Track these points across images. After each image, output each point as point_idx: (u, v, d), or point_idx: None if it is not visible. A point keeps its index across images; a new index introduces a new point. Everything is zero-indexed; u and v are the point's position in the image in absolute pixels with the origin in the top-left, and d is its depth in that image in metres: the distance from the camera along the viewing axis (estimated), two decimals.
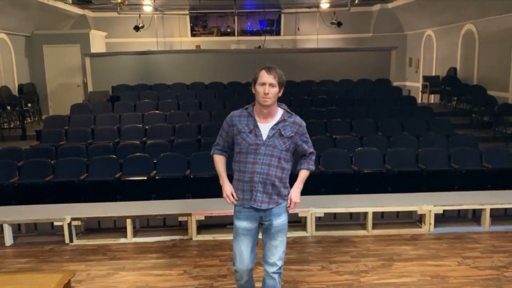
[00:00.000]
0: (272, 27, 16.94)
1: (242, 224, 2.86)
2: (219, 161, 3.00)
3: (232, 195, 2.86)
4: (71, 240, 4.59)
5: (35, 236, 4.87)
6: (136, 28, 14.02)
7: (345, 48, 14.05)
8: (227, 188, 2.88)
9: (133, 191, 6.16)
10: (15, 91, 11.78)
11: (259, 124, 2.84)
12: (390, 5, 15.17)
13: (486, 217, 4.81)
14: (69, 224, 4.56)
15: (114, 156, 6.97)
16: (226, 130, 2.96)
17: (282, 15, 16.38)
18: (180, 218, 4.73)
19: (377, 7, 15.70)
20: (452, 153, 6.95)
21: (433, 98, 13.54)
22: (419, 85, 14.42)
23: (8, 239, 4.58)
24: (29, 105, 11.85)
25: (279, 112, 2.88)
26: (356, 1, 12.09)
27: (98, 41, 13.61)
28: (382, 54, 12.39)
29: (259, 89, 2.77)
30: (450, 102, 12.46)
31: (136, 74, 12.16)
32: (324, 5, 14.01)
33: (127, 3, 12.00)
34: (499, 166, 6.53)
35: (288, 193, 2.89)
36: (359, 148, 7.11)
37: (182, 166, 6.67)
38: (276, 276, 2.89)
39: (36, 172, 6.59)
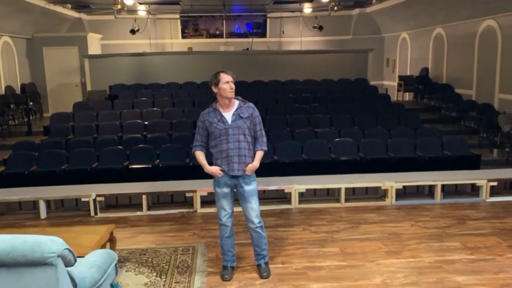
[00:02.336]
0: (259, 29, 17.92)
1: (222, 189, 3.82)
2: (200, 155, 3.90)
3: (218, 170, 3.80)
4: (95, 213, 5.50)
5: (63, 211, 5.76)
6: (132, 32, 14.87)
7: (326, 50, 15.10)
8: (212, 167, 3.81)
9: (140, 178, 7.05)
10: (18, 91, 12.56)
11: (223, 114, 3.79)
12: (368, 10, 16.26)
13: (438, 191, 5.86)
14: (94, 200, 5.47)
15: (121, 147, 7.86)
16: (201, 127, 3.87)
17: (268, 19, 17.36)
18: (187, 194, 5.67)
19: (356, 11, 16.78)
20: (417, 143, 7.96)
21: (408, 96, 14.65)
22: (395, 84, 15.53)
23: (43, 213, 5.48)
24: (31, 103, 12.63)
25: (236, 102, 3.84)
26: (335, 8, 13.11)
27: (94, 43, 14.44)
28: (360, 55, 13.43)
29: (226, 86, 3.71)
30: (422, 99, 13.59)
31: (132, 74, 13.01)
32: (307, 10, 15.04)
33: (126, 9, 12.85)
34: (457, 153, 7.58)
35: None
36: (337, 139, 8.10)
37: (182, 155, 7.58)
38: (258, 229, 3.85)
39: (52, 161, 7.43)
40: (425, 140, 8.05)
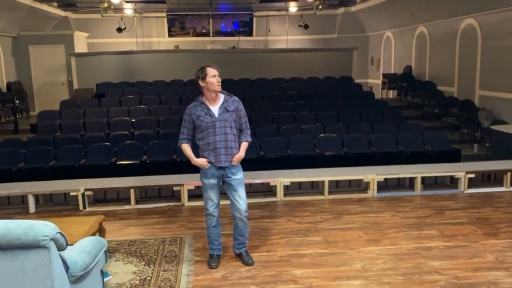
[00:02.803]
0: (245, 28, 18.07)
1: (209, 181, 3.94)
2: (187, 148, 4.00)
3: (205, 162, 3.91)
4: (84, 207, 5.58)
5: (52, 206, 5.83)
6: (119, 30, 14.91)
7: (312, 49, 15.31)
8: (200, 159, 3.93)
9: (127, 174, 7.14)
10: (4, 89, 12.53)
11: (210, 107, 3.91)
12: (353, 9, 16.51)
13: (418, 183, 6.06)
14: (83, 194, 5.56)
15: (108, 143, 7.94)
16: (188, 120, 3.96)
17: (254, 18, 17.51)
18: (174, 188, 5.79)
19: (341, 10, 17.02)
20: (399, 138, 8.17)
21: (392, 94, 14.92)
22: (380, 82, 15.79)
23: (32, 207, 5.55)
24: (17, 102, 12.61)
25: (221, 96, 3.97)
26: (320, 7, 13.31)
27: (81, 42, 14.45)
28: (345, 54, 13.66)
29: (213, 80, 3.83)
30: (406, 96, 13.86)
31: (119, 73, 13.06)
32: (293, 8, 15.22)
33: (112, 7, 12.89)
34: (438, 148, 7.82)
35: None
36: (321, 135, 8.27)
37: (169, 151, 7.68)
38: (245, 218, 3.99)
39: (40, 158, 7.48)
40: (407, 136, 8.26)
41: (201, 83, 3.89)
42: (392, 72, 15.30)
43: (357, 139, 8.13)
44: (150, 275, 3.84)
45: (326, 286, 3.61)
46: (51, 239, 2.42)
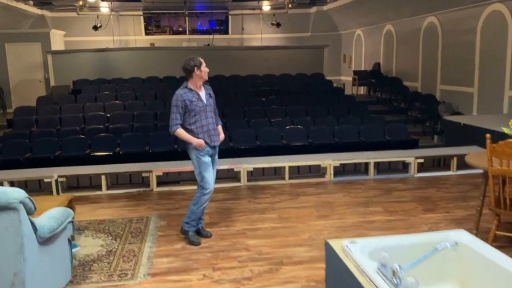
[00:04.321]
0: (221, 27, 18.45)
1: (206, 159, 4.29)
2: (182, 132, 4.26)
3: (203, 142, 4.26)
4: (58, 193, 5.90)
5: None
6: (95, 28, 15.14)
7: (284, 46, 15.78)
8: (198, 140, 4.22)
9: (101, 164, 7.47)
10: None
11: (199, 93, 4.32)
12: (325, 8, 17.02)
13: (371, 168, 6.54)
14: (56, 181, 5.88)
15: (83, 136, 8.25)
16: (180, 106, 4.23)
17: (230, 16, 17.91)
18: (143, 175, 6.16)
19: (314, 9, 17.52)
20: (362, 129, 8.66)
21: (362, 90, 15.48)
22: (351, 79, 16.34)
23: None
24: None
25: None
26: (290, 6, 13.77)
27: (57, 40, 14.64)
28: (316, 51, 14.14)
29: (206, 69, 4.26)
30: (374, 92, 14.43)
31: (96, 70, 13.31)
32: (266, 7, 15.66)
33: (87, 5, 13.14)
34: (397, 138, 8.33)
35: None
36: (288, 127, 8.70)
37: (142, 143, 8.03)
38: (211, 193, 4.36)
39: (15, 151, 7.75)
40: (369, 127, 8.75)
41: (197, 71, 4.21)
42: (362, 69, 15.84)
43: (322, 131, 8.58)
44: (116, 247, 4.22)
45: (274, 252, 4.03)
46: (20, 202, 2.78)
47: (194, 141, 4.22)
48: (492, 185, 3.69)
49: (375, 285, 1.55)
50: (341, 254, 1.83)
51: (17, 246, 2.78)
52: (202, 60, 4.28)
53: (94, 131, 8.56)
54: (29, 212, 2.90)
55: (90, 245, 4.26)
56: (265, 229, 4.60)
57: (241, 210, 5.21)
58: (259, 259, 3.90)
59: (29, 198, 2.88)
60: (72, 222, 3.55)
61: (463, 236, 1.96)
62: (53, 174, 5.90)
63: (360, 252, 1.80)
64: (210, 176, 4.30)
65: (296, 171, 6.70)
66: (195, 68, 4.22)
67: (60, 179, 5.91)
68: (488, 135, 3.60)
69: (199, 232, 4.43)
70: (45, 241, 3.07)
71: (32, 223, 2.94)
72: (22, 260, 2.79)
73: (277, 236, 4.41)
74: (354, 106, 10.72)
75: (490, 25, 9.31)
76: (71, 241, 3.65)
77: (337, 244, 1.96)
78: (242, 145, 8.02)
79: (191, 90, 4.26)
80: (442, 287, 1.78)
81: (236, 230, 4.58)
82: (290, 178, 6.43)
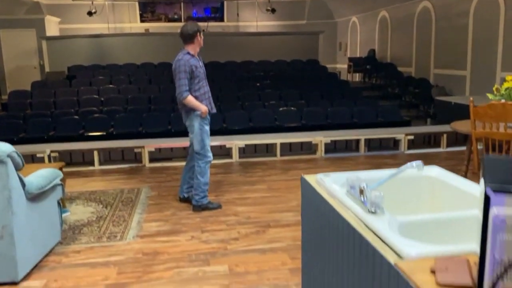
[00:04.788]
0: (216, 14, 18.42)
1: (207, 127, 4.29)
2: (192, 98, 4.16)
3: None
4: None
5: None
6: (90, 13, 15.10)
7: (279, 32, 15.80)
8: (205, 106, 4.20)
9: None
10: None
11: (198, 60, 4.31)
12: None
13: (362, 145, 6.61)
14: (49, 156, 5.93)
15: (77, 117, 8.29)
16: (188, 71, 4.13)
17: (225, 3, 17.87)
18: (135, 150, 6.21)
19: None
20: (355, 111, 8.72)
21: (358, 77, 15.51)
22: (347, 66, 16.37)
23: None
24: None
25: None
26: None
27: (52, 27, 14.63)
28: (311, 37, 14.17)
29: (202, 36, 4.25)
30: (369, 79, 14.47)
31: (90, 56, 13.31)
32: None
33: None
34: (389, 119, 8.39)
35: None
36: (282, 108, 8.75)
37: (136, 124, 8.08)
38: None
39: (9, 131, 7.77)
40: (362, 109, 8.80)
41: (198, 37, 4.20)
42: (357, 56, 15.86)
43: (315, 113, 8.62)
44: (107, 214, 4.27)
45: (262, 217, 4.10)
46: (7, 156, 2.83)
47: (203, 108, 4.15)
48: (476, 148, 3.75)
49: (345, 205, 1.61)
50: (315, 185, 1.89)
51: (5, 199, 2.83)
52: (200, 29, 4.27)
53: (88, 113, 8.60)
54: (17, 167, 2.95)
55: (80, 212, 4.31)
56: (254, 198, 4.67)
57: (231, 183, 5.27)
58: (247, 223, 3.97)
59: (17, 153, 2.92)
60: (62, 185, 3.60)
61: (434, 169, 2.03)
62: (45, 149, 5.94)
63: (332, 182, 1.86)
64: (209, 143, 4.31)
65: (288, 149, 6.76)
66: (198, 33, 4.19)
67: (52, 154, 5.96)
68: (471, 98, 3.66)
69: (189, 199, 4.48)
70: (33, 198, 3.12)
71: (21, 179, 2.99)
72: (10, 214, 2.84)
73: (266, 203, 4.48)
74: (348, 91, 10.78)
75: (482, 8, 9.35)
76: (60, 204, 3.70)
77: (312, 178, 2.02)
78: (236, 126, 8.07)
79: (193, 56, 4.21)
80: (414, 213, 1.85)
81: (226, 199, 4.64)
82: (281, 155, 6.48)
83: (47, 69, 13.14)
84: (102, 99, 9.87)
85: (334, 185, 1.82)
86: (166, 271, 3.10)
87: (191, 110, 4.18)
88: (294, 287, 2.82)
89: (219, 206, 4.34)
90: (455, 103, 7.70)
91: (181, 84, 4.10)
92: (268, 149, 6.77)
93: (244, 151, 6.59)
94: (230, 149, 6.44)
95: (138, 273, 3.07)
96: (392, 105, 10.76)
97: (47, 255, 3.34)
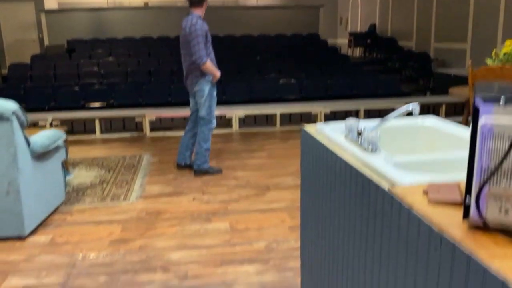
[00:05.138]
0: None
1: (215, 93, 4.30)
2: (210, 63, 4.11)
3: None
4: None
5: None
6: None
7: (279, 5, 15.66)
8: (219, 72, 4.22)
9: None
10: None
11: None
12: None
13: (361, 116, 6.66)
14: (51, 124, 5.98)
15: (77, 89, 8.31)
16: (203, 35, 4.06)
17: None
18: (136, 119, 6.26)
19: None
20: (354, 83, 8.74)
21: (358, 52, 15.44)
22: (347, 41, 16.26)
23: None
24: None
25: None
26: None
27: (51, 0, 14.47)
28: (311, 11, 14.07)
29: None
30: (370, 53, 14.41)
31: (90, 29, 13.25)
32: None
33: None
34: (387, 91, 8.42)
35: None
36: (281, 81, 8.77)
37: (136, 96, 8.11)
38: None
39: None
40: (361, 81, 8.83)
41: (205, 3, 4.14)
42: (358, 31, 15.76)
43: (315, 85, 8.64)
44: (110, 177, 4.35)
45: (262, 181, 4.17)
46: (12, 113, 2.88)
47: (217, 73, 4.12)
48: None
49: (343, 148, 1.67)
50: (314, 134, 1.95)
51: (11, 156, 2.89)
52: None
53: (88, 86, 8.62)
54: (22, 126, 3.00)
55: (83, 176, 4.39)
56: (254, 164, 4.74)
57: (231, 151, 5.33)
58: (247, 186, 4.04)
59: (21, 111, 2.97)
60: (65, 148, 3.66)
61: (430, 118, 2.08)
62: (47, 117, 5.99)
63: (331, 130, 1.92)
64: (215, 109, 4.31)
65: (288, 120, 6.80)
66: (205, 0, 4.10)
67: (54, 123, 6.01)
68: (469, 60, 3.68)
69: (190, 166, 4.55)
70: (38, 157, 3.18)
71: (26, 138, 3.04)
72: (16, 170, 2.91)
73: (265, 169, 4.55)
74: (348, 65, 10.77)
75: None
76: (64, 166, 3.77)
77: (311, 128, 2.08)
78: (236, 98, 8.09)
79: (203, 20, 4.11)
80: (411, 153, 1.92)
81: (226, 165, 4.70)
82: (281, 125, 6.53)
83: (46, 43, 13.08)
84: (102, 72, 9.87)
85: (332, 132, 1.88)
86: (169, 227, 3.19)
87: (202, 75, 4.10)
88: (293, 241, 2.91)
89: (220, 171, 4.42)
90: (454, 75, 7.71)
91: (200, 48, 4.00)
92: (268, 120, 6.82)
93: (244, 122, 6.63)
94: (230, 119, 6.48)
95: (142, 230, 3.16)
96: (392, 78, 10.81)
97: (52, 213, 3.43)
